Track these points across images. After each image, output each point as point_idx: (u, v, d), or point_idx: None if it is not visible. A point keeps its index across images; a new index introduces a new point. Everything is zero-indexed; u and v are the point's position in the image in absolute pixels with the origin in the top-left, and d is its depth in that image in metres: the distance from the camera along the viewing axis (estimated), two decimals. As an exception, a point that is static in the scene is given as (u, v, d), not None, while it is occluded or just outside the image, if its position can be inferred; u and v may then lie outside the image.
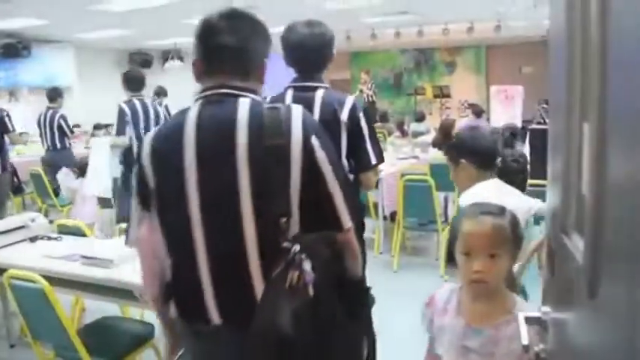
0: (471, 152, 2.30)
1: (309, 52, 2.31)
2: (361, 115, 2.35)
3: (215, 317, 1.46)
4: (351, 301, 1.45)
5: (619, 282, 0.66)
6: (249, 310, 1.38)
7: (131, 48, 12.10)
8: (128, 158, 4.73)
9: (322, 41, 2.32)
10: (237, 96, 1.47)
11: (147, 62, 12.45)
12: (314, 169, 1.42)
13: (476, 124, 9.36)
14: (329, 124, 2.17)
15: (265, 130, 1.41)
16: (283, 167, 1.40)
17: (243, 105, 1.45)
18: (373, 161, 2.39)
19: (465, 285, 1.57)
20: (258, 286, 1.41)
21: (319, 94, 2.31)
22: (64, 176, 5.98)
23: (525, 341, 1.22)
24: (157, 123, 4.92)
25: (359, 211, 2.50)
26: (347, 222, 1.47)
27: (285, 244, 1.37)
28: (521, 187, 2.72)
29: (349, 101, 2.35)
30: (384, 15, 8.86)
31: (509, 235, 1.52)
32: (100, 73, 10.97)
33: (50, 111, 6.93)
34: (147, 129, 4.82)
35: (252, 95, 1.49)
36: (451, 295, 1.61)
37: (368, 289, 1.60)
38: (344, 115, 2.30)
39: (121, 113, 4.74)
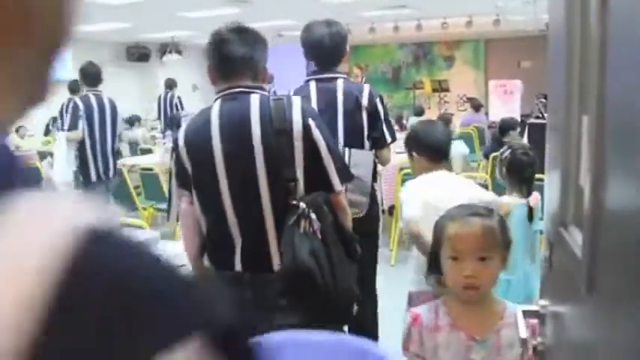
0: (422, 146, 2.45)
1: (329, 49, 2.61)
2: (377, 100, 2.68)
3: (238, 265, 1.85)
4: (347, 245, 1.84)
5: (617, 275, 0.66)
6: (263, 259, 1.82)
7: (129, 41, 12.05)
8: (82, 152, 4.77)
9: (339, 39, 2.63)
10: (249, 93, 1.84)
11: (145, 56, 12.41)
12: (311, 143, 1.82)
13: (475, 118, 9.37)
14: (352, 108, 2.57)
15: (273, 117, 1.79)
16: (288, 144, 1.79)
17: (254, 99, 1.82)
18: (388, 140, 2.74)
19: (455, 292, 1.47)
20: (272, 240, 1.81)
21: (340, 84, 2.61)
22: (47, 164, 5.98)
23: (523, 335, 1.22)
24: (113, 118, 4.88)
25: (374, 199, 2.70)
26: (338, 186, 1.88)
27: (294, 202, 1.77)
28: (530, 179, 2.73)
29: (366, 88, 2.70)
30: (382, 9, 8.84)
31: (499, 237, 1.45)
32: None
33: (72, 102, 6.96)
34: (102, 124, 4.80)
35: (260, 91, 1.87)
36: (437, 310, 1.49)
37: (355, 238, 1.92)
38: (364, 100, 2.60)
39: (75, 108, 4.77)
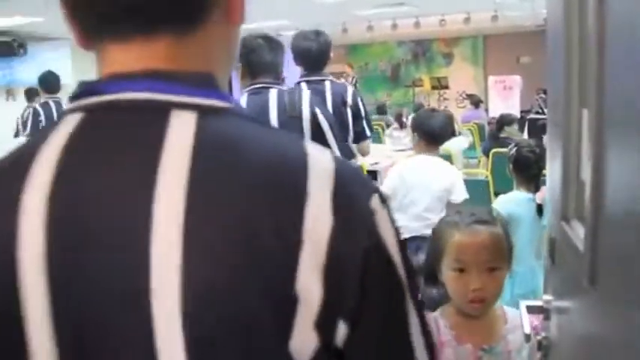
0: (421, 129, 3.04)
1: (316, 55, 3.01)
2: (359, 98, 3.14)
3: None
4: None
5: (620, 269, 0.66)
6: None
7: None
8: None
9: (325, 47, 3.04)
10: (269, 87, 2.33)
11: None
12: (317, 125, 2.31)
13: (474, 115, 9.36)
14: (339, 106, 2.96)
15: (287, 106, 2.27)
16: (299, 127, 2.26)
17: (273, 93, 2.32)
18: (368, 134, 3.21)
19: (460, 306, 1.35)
20: None
21: (327, 84, 3.02)
22: None
23: (528, 330, 1.22)
24: None
25: None
26: None
27: None
28: (537, 177, 2.73)
29: (350, 88, 3.18)
30: (380, 7, 8.83)
31: (505, 245, 1.35)
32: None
33: (31, 109, 7.22)
34: None
35: (278, 86, 2.38)
36: (437, 324, 1.36)
37: None
38: (349, 99, 3.03)
39: (35, 114, 5.12)
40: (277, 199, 0.52)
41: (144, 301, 0.49)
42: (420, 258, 2.66)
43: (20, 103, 9.19)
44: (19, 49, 9.36)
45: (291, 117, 2.26)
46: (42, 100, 5.18)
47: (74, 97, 0.59)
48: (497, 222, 1.39)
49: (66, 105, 0.60)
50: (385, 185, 2.97)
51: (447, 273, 1.33)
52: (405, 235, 2.66)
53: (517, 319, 1.34)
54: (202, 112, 0.54)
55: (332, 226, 0.51)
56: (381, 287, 0.54)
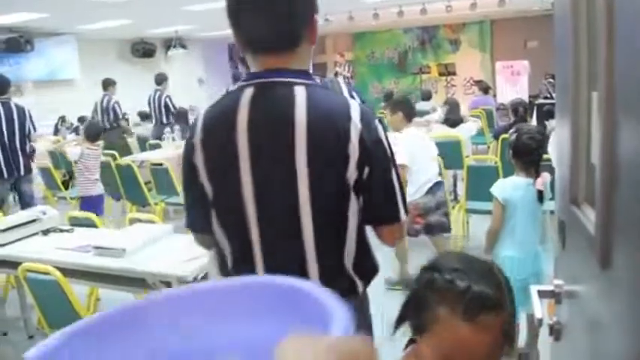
0: (408, 108, 3.97)
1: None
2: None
3: None
4: None
5: (632, 251, 0.66)
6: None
7: (134, 38, 12.06)
8: None
9: None
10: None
11: (150, 51, 12.39)
12: None
13: (483, 101, 9.31)
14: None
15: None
16: None
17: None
18: None
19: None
20: None
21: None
22: None
23: (539, 315, 1.22)
24: (21, 122, 5.37)
25: None
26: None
27: None
28: (536, 163, 2.72)
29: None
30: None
31: (509, 333, 0.98)
32: (103, 64, 10.96)
33: (158, 92, 8.38)
34: (10, 128, 5.31)
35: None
36: None
37: None
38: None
39: None
40: (339, 120, 1.25)
41: (293, 166, 1.24)
42: (438, 195, 3.94)
43: (27, 98, 9.24)
44: (26, 45, 9.39)
45: None
46: None
47: (245, 80, 1.32)
48: (504, 291, 0.99)
49: (239, 83, 1.32)
50: (404, 159, 3.65)
51: (427, 351, 1.01)
52: (430, 184, 3.89)
53: None
54: (307, 86, 1.29)
55: (361, 129, 1.25)
56: (380, 154, 1.30)
